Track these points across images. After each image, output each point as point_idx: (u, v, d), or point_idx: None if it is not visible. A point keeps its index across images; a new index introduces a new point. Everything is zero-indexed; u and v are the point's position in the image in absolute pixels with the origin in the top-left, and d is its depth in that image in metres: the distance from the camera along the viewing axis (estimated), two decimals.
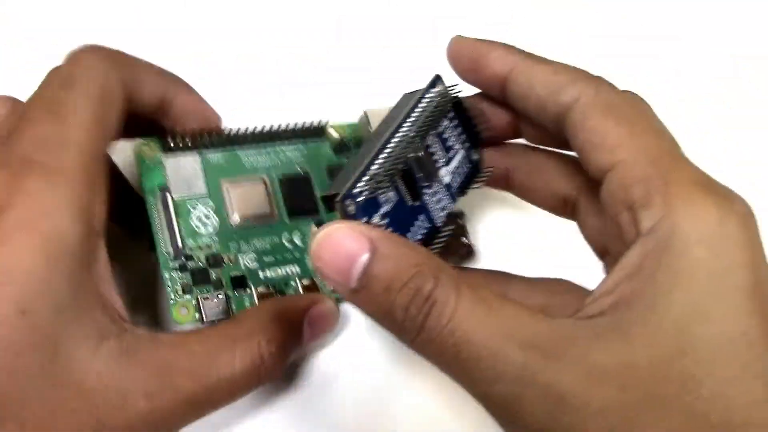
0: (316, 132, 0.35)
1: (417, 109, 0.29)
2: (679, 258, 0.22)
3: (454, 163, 0.31)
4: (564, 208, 0.30)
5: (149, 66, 0.30)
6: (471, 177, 0.31)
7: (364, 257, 0.22)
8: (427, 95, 0.29)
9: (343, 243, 0.23)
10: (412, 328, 0.22)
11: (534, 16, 0.44)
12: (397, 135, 0.28)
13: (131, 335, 0.25)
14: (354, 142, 0.35)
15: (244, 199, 0.32)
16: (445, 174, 0.30)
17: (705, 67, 0.44)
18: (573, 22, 0.44)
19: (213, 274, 0.31)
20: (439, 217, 0.30)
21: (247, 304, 0.31)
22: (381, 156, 0.27)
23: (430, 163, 0.29)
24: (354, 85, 0.40)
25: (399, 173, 0.27)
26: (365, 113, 0.35)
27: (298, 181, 0.34)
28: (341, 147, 0.35)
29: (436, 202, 0.30)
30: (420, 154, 0.28)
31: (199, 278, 0.30)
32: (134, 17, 0.42)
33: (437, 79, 0.30)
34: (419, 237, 0.28)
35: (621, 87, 0.27)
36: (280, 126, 0.34)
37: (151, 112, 0.30)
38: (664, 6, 0.45)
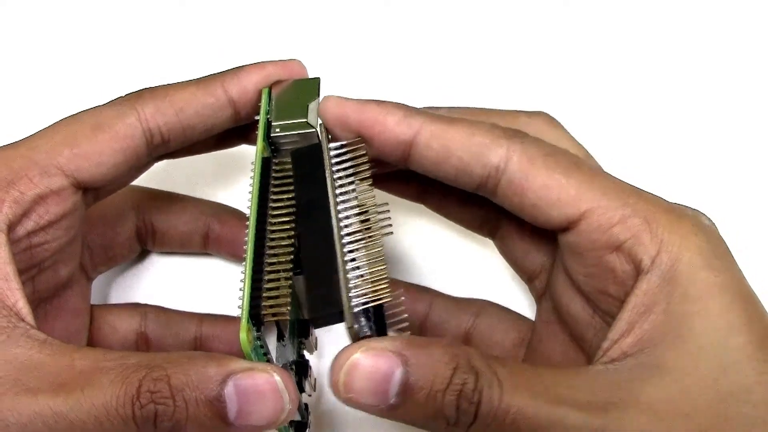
0: None
1: (334, 177, 0.26)
2: (689, 285, 0.23)
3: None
4: (480, 228, 0.30)
5: None
6: None
7: (398, 373, 0.22)
8: (332, 157, 0.26)
9: (373, 367, 0.22)
10: (466, 421, 0.22)
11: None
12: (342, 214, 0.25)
13: (16, 330, 0.23)
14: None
15: None
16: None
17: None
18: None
19: None
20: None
21: None
22: (350, 253, 0.24)
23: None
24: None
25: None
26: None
27: None
28: None
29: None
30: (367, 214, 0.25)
31: None
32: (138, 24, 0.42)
33: (326, 133, 0.27)
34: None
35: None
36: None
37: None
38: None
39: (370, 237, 0.24)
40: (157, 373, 0.22)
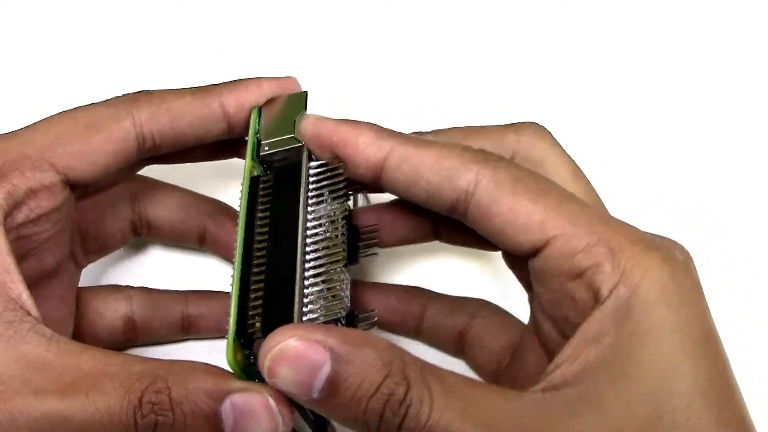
0: None
1: (309, 195, 0.26)
2: (641, 320, 0.22)
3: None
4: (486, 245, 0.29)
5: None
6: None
7: (327, 367, 0.21)
8: (311, 176, 0.26)
9: (300, 356, 0.21)
10: (387, 431, 0.22)
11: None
12: (309, 235, 0.25)
13: (23, 325, 0.24)
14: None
15: None
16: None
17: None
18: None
19: None
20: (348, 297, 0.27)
21: None
22: (312, 270, 0.25)
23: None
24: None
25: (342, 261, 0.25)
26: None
27: None
28: None
29: (346, 287, 0.28)
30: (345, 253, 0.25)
31: None
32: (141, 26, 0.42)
33: (306, 153, 0.27)
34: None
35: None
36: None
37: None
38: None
39: (334, 254, 0.25)
40: (159, 385, 0.23)
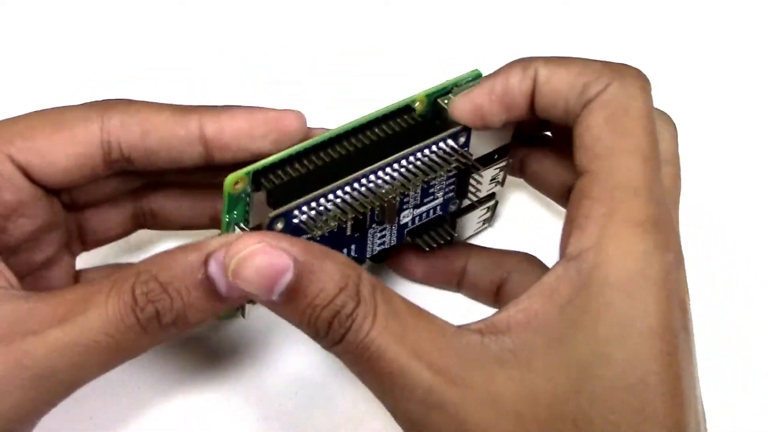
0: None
1: (419, 155, 0.27)
2: (593, 299, 0.22)
3: (423, 208, 0.30)
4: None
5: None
6: (434, 224, 0.31)
7: (288, 274, 0.22)
8: (441, 145, 0.27)
9: (265, 261, 0.22)
10: (332, 339, 0.23)
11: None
12: (378, 176, 0.26)
13: (1, 291, 0.24)
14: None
15: None
16: (407, 216, 0.29)
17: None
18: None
19: None
20: (373, 250, 0.29)
21: None
22: (344, 194, 0.26)
23: (392, 209, 0.28)
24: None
25: (351, 219, 0.26)
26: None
27: None
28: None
29: (379, 238, 0.29)
30: (386, 203, 0.27)
31: None
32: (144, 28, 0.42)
33: (461, 132, 0.28)
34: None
35: None
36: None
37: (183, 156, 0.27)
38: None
39: (380, 203, 0.26)
40: (144, 276, 0.23)
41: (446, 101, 0.28)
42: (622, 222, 0.23)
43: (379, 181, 0.26)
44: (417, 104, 0.28)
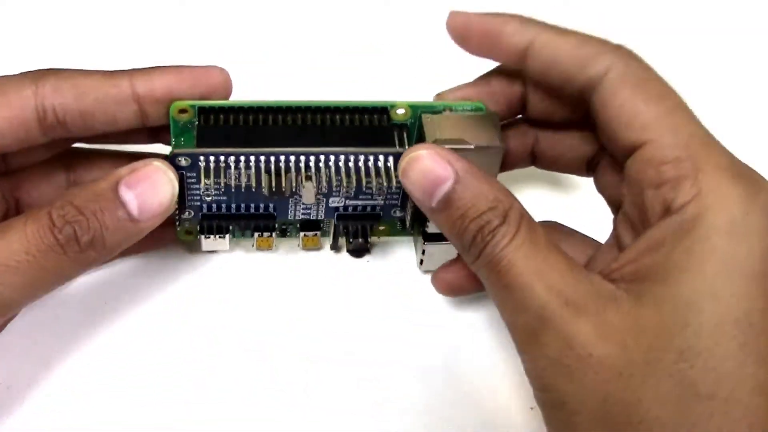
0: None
1: (352, 159, 0.29)
2: (699, 243, 0.23)
3: (359, 202, 0.31)
4: (587, 168, 0.31)
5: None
6: (369, 218, 0.32)
7: (448, 183, 0.25)
8: (378, 162, 0.29)
9: (430, 166, 0.26)
10: (474, 252, 0.25)
11: None
12: (300, 160, 0.29)
13: None
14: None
15: None
16: (338, 202, 0.31)
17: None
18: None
19: None
20: (296, 215, 0.31)
21: None
22: (258, 162, 0.29)
23: (309, 193, 0.29)
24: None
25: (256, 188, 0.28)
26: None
27: None
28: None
29: (303, 208, 0.31)
30: (295, 190, 0.29)
31: None
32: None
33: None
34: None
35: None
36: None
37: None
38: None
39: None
40: (59, 202, 0.25)
41: (429, 119, 0.29)
42: (711, 170, 0.24)
43: (301, 165, 0.29)
44: (399, 111, 0.30)
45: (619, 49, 0.26)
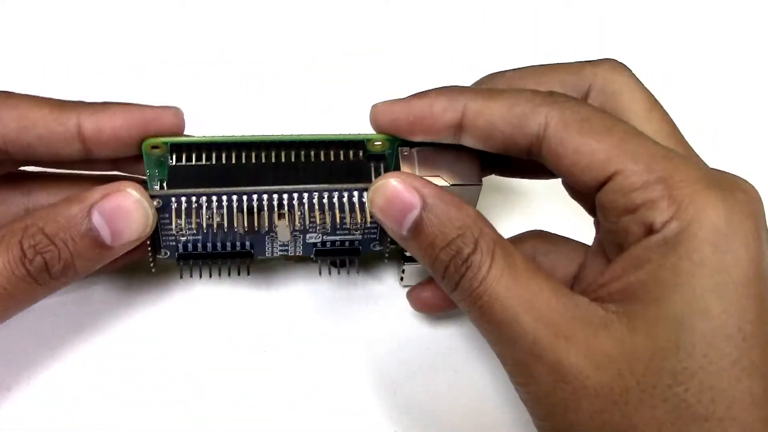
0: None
1: (326, 195, 0.28)
2: (686, 259, 0.23)
3: (336, 237, 0.30)
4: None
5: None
6: (349, 252, 0.31)
7: (416, 211, 0.25)
8: (353, 198, 0.29)
9: (397, 193, 0.25)
10: (450, 283, 0.25)
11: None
12: (273, 198, 0.28)
13: None
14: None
15: None
16: (315, 238, 0.30)
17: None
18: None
19: None
20: (273, 252, 0.30)
21: None
22: (230, 202, 0.28)
23: (284, 230, 0.28)
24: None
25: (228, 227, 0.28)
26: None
27: None
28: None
29: (280, 244, 0.30)
30: (271, 229, 0.28)
31: None
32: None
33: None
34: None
35: None
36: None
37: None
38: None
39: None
40: (31, 230, 0.25)
41: (405, 153, 0.29)
42: (684, 184, 0.24)
43: (275, 203, 0.28)
44: (377, 144, 0.29)
45: (550, 97, 0.26)
